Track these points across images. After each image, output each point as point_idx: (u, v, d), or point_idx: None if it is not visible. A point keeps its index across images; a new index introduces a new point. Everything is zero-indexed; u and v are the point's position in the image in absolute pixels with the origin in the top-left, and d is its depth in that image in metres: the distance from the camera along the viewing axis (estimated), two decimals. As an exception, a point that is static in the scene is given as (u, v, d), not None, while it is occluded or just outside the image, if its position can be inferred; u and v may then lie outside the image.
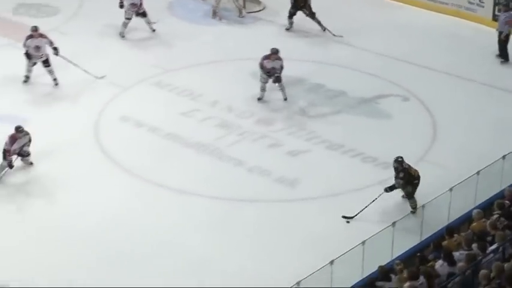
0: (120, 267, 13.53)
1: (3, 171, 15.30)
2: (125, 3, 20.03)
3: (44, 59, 18.01)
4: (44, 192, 15.18)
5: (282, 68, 17.63)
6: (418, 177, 14.60)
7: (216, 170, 15.99)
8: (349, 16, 21.65)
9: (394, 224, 13.47)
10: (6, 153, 15.19)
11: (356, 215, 14.38)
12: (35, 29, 17.98)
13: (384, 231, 13.55)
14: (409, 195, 14.67)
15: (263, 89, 17.81)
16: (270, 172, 15.84)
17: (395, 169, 14.57)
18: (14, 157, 15.31)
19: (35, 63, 18.12)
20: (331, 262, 12.67)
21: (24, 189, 15.28)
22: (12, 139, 15.21)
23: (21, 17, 20.94)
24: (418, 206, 14.43)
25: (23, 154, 15.47)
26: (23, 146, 15.38)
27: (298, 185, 15.54)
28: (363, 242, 13.10)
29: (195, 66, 19.29)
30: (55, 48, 18.03)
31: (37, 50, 17.92)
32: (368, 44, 20.23)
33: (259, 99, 17.83)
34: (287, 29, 20.84)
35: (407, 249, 13.60)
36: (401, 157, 14.51)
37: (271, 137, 16.93)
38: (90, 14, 21.17)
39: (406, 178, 14.49)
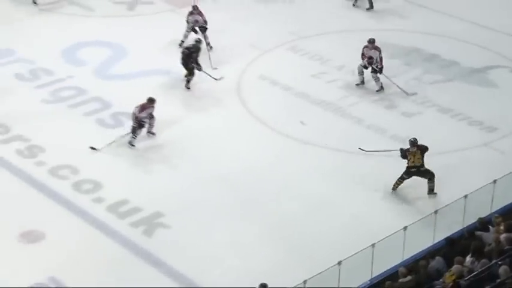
0: (252, 207, 13.45)
1: (128, 134, 14.87)
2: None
3: (200, 25, 17.86)
4: (190, 140, 15.11)
5: (380, 59, 16.37)
6: (410, 167, 13.27)
7: (338, 126, 15.66)
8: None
9: (495, 181, 12.75)
10: (136, 118, 14.75)
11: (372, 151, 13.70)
12: (195, 7, 17.87)
13: (486, 187, 12.88)
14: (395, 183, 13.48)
15: (360, 73, 16.71)
16: (385, 130, 15.36)
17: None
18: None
19: (192, 31, 17.91)
20: (436, 212, 12.22)
21: (176, 139, 15.17)
22: (142, 108, 14.74)
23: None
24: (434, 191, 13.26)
25: (142, 124, 14.84)
26: (146, 116, 14.80)
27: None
28: (465, 196, 12.51)
29: (326, 34, 18.86)
30: (205, 27, 17.64)
31: (195, 24, 17.84)
32: (479, 18, 19.21)
33: (357, 85, 16.68)
34: (354, 5, 19.92)
35: (505, 204, 12.87)
36: (414, 139, 13.38)
37: (388, 99, 16.42)
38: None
39: (402, 155, 13.39)
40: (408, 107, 16.16)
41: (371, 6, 19.78)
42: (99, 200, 13.57)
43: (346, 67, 17.41)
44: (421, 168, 13.47)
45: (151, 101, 14.90)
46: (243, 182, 13.98)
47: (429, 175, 13.52)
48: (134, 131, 14.84)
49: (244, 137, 15.25)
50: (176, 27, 18.58)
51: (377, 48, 16.55)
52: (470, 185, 13.26)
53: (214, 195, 13.67)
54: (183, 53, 16.54)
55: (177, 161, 14.62)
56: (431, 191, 13.57)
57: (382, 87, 16.61)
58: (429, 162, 14.30)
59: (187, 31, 18.08)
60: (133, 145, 14.83)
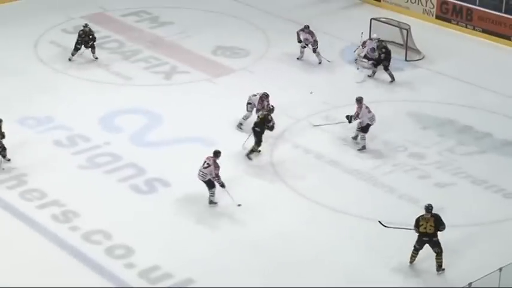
0: (284, 274, 13.47)
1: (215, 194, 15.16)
2: (302, 38, 20.45)
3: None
4: (222, 206, 15.21)
5: (373, 119, 16.82)
6: (422, 234, 13.10)
7: (370, 195, 15.64)
8: (494, 65, 20.74)
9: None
10: (217, 177, 14.92)
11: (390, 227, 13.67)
12: (266, 95, 17.49)
13: None
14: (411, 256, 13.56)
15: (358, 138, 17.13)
16: (418, 200, 15.26)
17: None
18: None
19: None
20: (470, 284, 12.04)
21: (207, 205, 15.31)
22: (216, 163, 14.91)
23: (218, 57, 21.29)
24: None
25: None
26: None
27: (443, 213, 14.62)
28: (500, 269, 12.30)
29: (359, 104, 18.96)
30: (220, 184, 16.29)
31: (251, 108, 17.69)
32: (512, 91, 19.29)
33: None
34: (369, 76, 19.98)
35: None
36: (430, 205, 13.27)
37: (422, 169, 16.38)
38: (275, 56, 21.20)
39: (415, 224, 13.29)
40: (441, 178, 16.08)
41: (393, 79, 19.79)
42: (131, 266, 13.63)
43: (378, 137, 17.45)
44: (434, 238, 13.21)
45: (218, 155, 14.98)
46: (275, 249, 14.00)
47: (438, 249, 13.28)
48: (223, 184, 14.89)
49: (277, 205, 15.30)
50: (212, 96, 18.97)
51: (362, 107, 16.95)
52: (504, 258, 13.10)
53: (245, 262, 13.68)
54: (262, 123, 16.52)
55: (209, 225, 14.72)
56: (439, 267, 13.32)
57: (363, 147, 16.89)
58: (463, 233, 14.19)
59: (248, 111, 17.82)
60: (215, 202, 15.05)
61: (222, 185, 14.95)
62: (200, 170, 14.97)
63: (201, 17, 23.27)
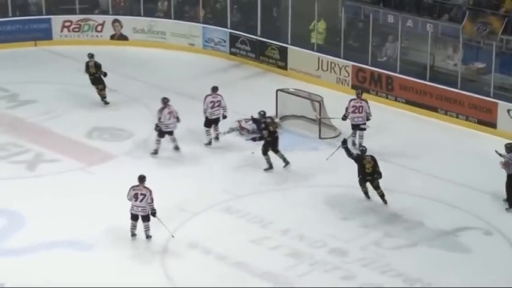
0: None
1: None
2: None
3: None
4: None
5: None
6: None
7: (285, 303, 15.54)
8: (427, 143, 21.32)
9: None
10: (152, 201, 17.05)
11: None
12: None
13: None
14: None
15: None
16: (343, 307, 15.28)
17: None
18: None
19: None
20: None
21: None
22: (148, 188, 16.91)
23: (94, 141, 21.22)
24: None
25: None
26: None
27: (372, 321, 14.94)
28: None
29: (266, 192, 19.03)
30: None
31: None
32: (447, 173, 19.68)
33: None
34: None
35: None
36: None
37: (344, 269, 16.40)
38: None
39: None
40: (368, 278, 16.10)
41: (286, 163, 19.89)
42: None
43: (292, 230, 17.48)
44: None
45: (143, 178, 16.97)
46: None
47: None
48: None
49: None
50: (87, 189, 18.76)
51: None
52: None
53: None
54: None
55: None
56: None
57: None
58: None
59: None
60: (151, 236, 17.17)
61: (154, 212, 16.86)
62: (138, 206, 16.81)
63: (71, 94, 23.16)
